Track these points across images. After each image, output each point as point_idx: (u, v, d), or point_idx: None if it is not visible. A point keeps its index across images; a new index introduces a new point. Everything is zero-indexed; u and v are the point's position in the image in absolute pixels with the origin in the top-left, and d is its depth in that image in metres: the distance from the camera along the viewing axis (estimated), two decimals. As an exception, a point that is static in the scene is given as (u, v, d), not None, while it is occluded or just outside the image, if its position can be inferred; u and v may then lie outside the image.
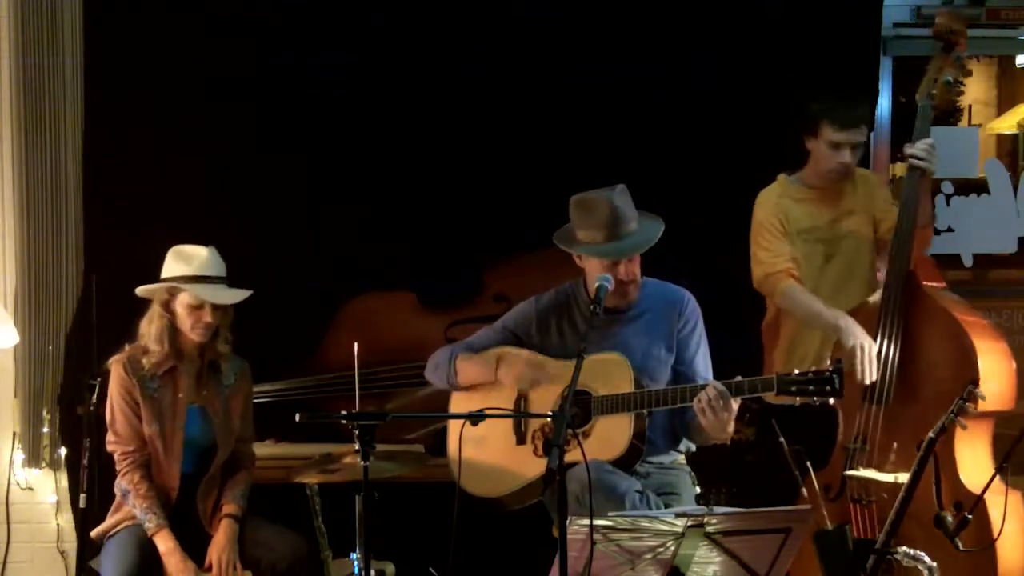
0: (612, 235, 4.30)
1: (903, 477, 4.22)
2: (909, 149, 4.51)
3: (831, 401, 4.11)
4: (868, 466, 4.37)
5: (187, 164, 5.47)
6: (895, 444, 4.36)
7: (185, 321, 4.47)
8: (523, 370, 4.41)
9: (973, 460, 4.32)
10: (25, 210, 5.50)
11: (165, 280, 4.49)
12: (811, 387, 4.05)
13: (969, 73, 4.71)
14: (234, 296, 4.51)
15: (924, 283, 4.49)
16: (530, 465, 4.40)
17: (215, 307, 4.47)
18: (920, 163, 4.49)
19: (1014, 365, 4.40)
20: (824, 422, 4.51)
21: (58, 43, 5.47)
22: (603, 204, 4.30)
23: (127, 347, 4.57)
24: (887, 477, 4.29)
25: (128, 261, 5.09)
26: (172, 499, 4.48)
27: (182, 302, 4.47)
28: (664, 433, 4.42)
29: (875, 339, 4.42)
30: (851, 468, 4.39)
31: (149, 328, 4.51)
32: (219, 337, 4.55)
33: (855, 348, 4.37)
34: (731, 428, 4.20)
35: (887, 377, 4.39)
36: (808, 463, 4.24)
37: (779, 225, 4.73)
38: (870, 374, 4.36)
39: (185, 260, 4.48)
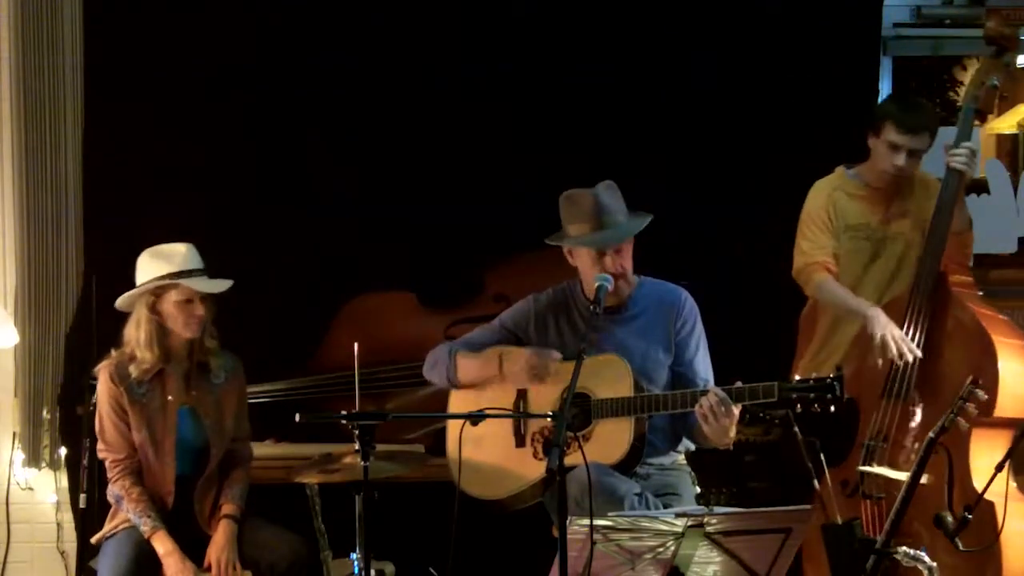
0: (597, 226, 4.31)
1: (916, 476, 4.23)
2: (950, 152, 4.51)
3: (831, 409, 4.11)
4: (884, 463, 4.37)
5: (187, 164, 5.47)
6: (916, 444, 4.35)
7: (177, 318, 4.44)
8: (529, 359, 4.36)
9: (989, 467, 4.29)
10: (25, 210, 5.50)
11: (148, 282, 4.45)
12: (812, 394, 4.03)
13: (1012, 76, 4.71)
14: (222, 284, 4.48)
15: (953, 285, 4.49)
16: (529, 467, 4.39)
17: (204, 300, 4.46)
18: (959, 165, 4.48)
19: None
20: (845, 417, 4.49)
21: (58, 43, 5.47)
22: (587, 196, 4.32)
23: (113, 353, 4.52)
24: (900, 475, 4.28)
25: (128, 261, 5.08)
26: (168, 503, 4.46)
27: (171, 300, 4.43)
28: (664, 434, 4.41)
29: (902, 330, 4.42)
30: (868, 464, 4.39)
31: (137, 333, 4.45)
32: (205, 333, 4.52)
33: (883, 337, 4.37)
34: (733, 434, 4.19)
35: (908, 375, 4.40)
36: (822, 456, 4.23)
37: (826, 219, 4.72)
38: (908, 352, 4.35)
39: (165, 259, 4.45)
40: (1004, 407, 4.26)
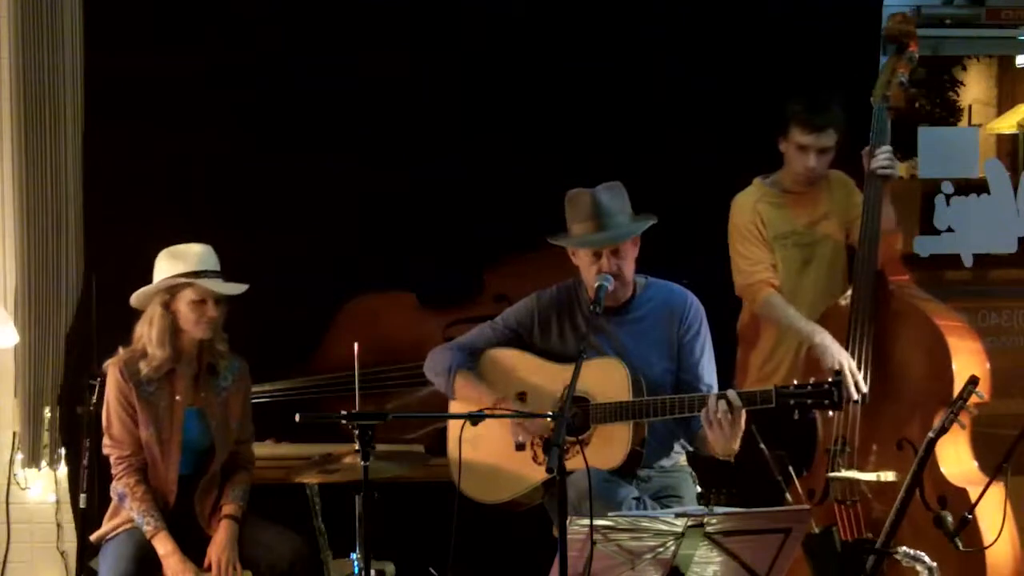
0: (595, 226, 4.31)
1: (885, 476, 4.28)
2: (873, 161, 4.53)
3: (831, 413, 4.11)
4: (850, 467, 4.40)
5: (187, 164, 5.47)
6: (873, 445, 4.38)
7: (189, 318, 4.46)
8: (526, 423, 4.37)
9: (954, 454, 4.36)
10: (25, 210, 5.49)
11: (163, 280, 4.47)
12: (810, 400, 4.02)
13: (922, 74, 4.77)
14: (237, 288, 4.51)
15: (893, 283, 4.52)
16: (529, 471, 4.39)
17: (217, 302, 4.47)
18: (884, 172, 4.53)
19: (987, 360, 4.43)
20: (802, 426, 4.51)
21: (58, 43, 5.46)
22: (586, 196, 4.33)
23: (122, 350, 4.54)
24: (870, 477, 4.35)
25: (128, 261, 5.09)
26: (170, 502, 4.48)
27: (185, 299, 4.46)
28: (665, 436, 4.38)
29: (847, 341, 4.43)
30: (833, 470, 4.41)
31: (150, 331, 4.48)
32: (216, 335, 4.54)
33: (833, 368, 4.37)
34: (736, 445, 4.11)
35: (863, 378, 4.40)
36: (791, 468, 4.25)
37: (756, 232, 4.75)
38: (855, 391, 4.38)
39: (181, 258, 4.47)
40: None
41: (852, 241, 4.73)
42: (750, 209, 4.79)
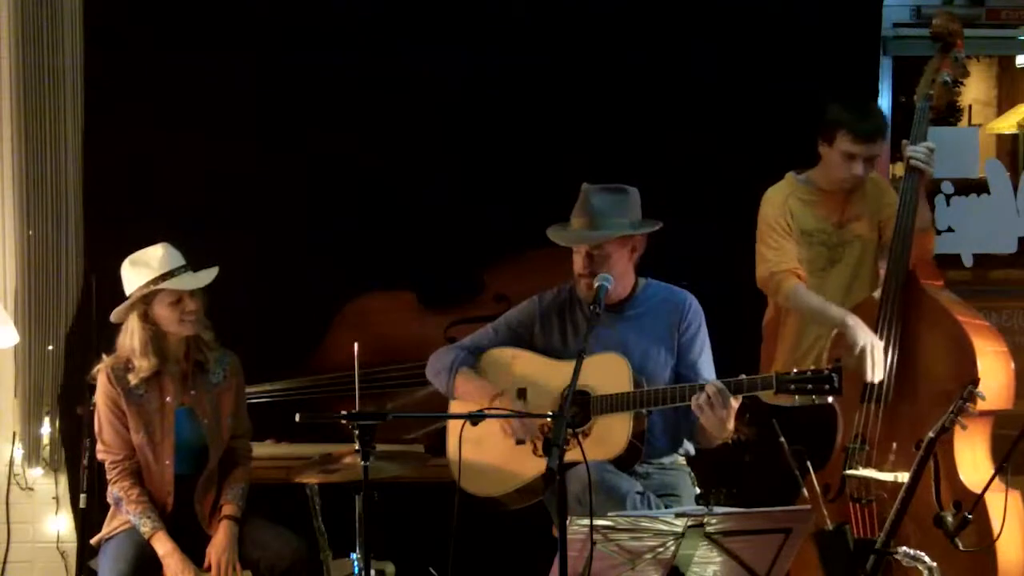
0: (580, 224, 4.37)
1: (903, 476, 4.24)
2: (909, 150, 4.50)
3: (830, 400, 4.11)
4: (868, 466, 4.38)
5: (187, 164, 5.47)
6: (894, 444, 4.36)
7: (170, 320, 4.45)
8: (516, 425, 4.38)
9: (972, 459, 4.33)
10: (25, 210, 5.49)
11: (134, 293, 4.44)
12: (810, 386, 4.04)
13: (967, 73, 4.72)
14: (208, 276, 4.49)
15: (923, 283, 4.49)
16: (529, 465, 4.39)
17: (192, 294, 4.46)
18: (919, 164, 4.47)
19: (1012, 364, 4.40)
20: (822, 422, 4.51)
21: (58, 43, 5.47)
22: (581, 193, 4.38)
23: (106, 357, 4.54)
24: (887, 476, 4.31)
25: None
26: (168, 504, 4.48)
27: (161, 303, 4.44)
28: (665, 434, 4.41)
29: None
30: (851, 468, 4.40)
31: (132, 342, 4.46)
32: (200, 325, 4.51)
33: (864, 348, 4.34)
34: (731, 426, 4.19)
35: (886, 376, 4.39)
36: (809, 463, 4.24)
37: (785, 225, 4.71)
38: (877, 373, 4.35)
39: (143, 265, 4.44)
40: (984, 401, 4.26)
41: (884, 241, 4.69)
42: (780, 203, 4.74)
